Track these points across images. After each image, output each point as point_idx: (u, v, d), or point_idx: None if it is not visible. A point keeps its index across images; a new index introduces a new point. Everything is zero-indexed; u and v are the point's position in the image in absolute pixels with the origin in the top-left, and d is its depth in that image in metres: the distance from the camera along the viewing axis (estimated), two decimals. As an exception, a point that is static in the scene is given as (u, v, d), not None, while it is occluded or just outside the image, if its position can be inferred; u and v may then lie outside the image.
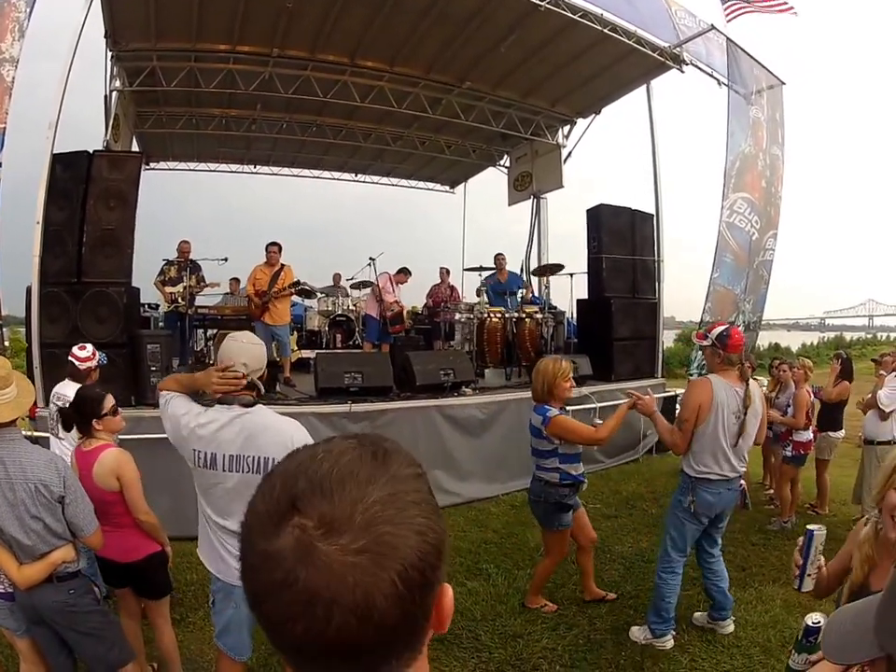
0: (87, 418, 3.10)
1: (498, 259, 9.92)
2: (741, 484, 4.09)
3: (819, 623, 1.60)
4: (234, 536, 2.02)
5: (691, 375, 10.22)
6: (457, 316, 9.02)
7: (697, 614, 4.20)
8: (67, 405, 3.89)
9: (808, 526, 1.96)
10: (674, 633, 3.92)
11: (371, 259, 9.18)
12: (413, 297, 12.44)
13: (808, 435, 6.15)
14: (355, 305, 10.50)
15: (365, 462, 0.63)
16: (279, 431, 2.53)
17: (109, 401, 3.15)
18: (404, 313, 9.43)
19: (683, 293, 13.74)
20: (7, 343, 6.12)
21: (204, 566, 2.68)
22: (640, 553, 5.39)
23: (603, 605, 4.46)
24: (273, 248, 8.21)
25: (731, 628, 4.00)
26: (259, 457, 2.46)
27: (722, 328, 3.80)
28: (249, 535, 0.61)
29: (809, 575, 1.96)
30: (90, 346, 4.40)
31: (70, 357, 4.30)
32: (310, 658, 0.60)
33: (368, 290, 10.12)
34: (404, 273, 9.83)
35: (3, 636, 2.93)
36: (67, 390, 4.10)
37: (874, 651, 0.89)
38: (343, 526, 0.57)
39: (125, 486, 3.01)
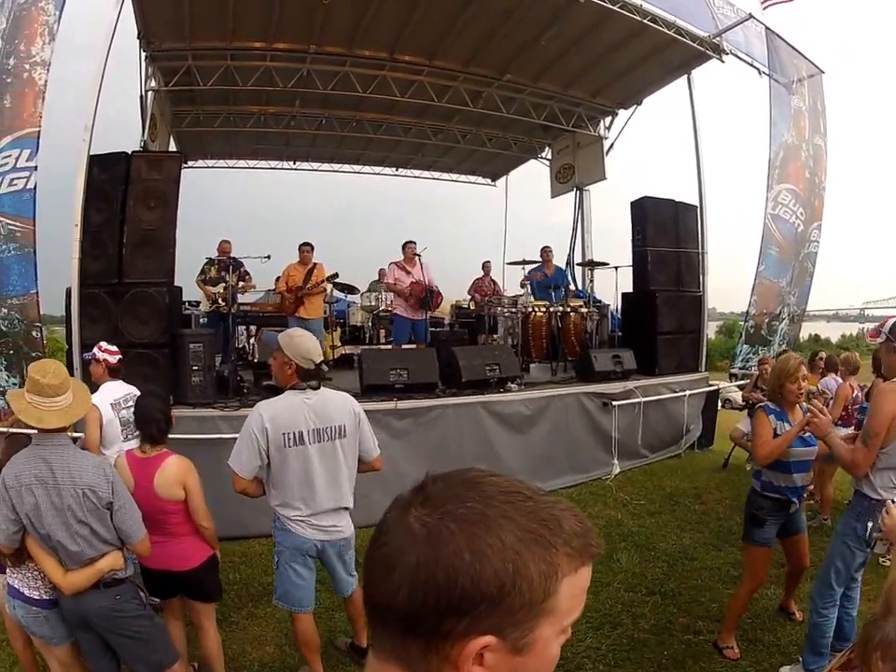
0: (165, 431, 3.15)
1: (545, 251, 9.74)
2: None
3: None
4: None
5: (733, 370, 10.10)
6: (501, 310, 8.93)
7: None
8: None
9: None
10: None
11: (416, 254, 8.99)
12: (456, 291, 12.38)
13: (847, 431, 5.75)
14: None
15: (511, 503, 0.67)
16: (343, 401, 3.21)
17: None
18: (432, 288, 8.60)
19: (724, 284, 13.54)
20: (45, 342, 6.14)
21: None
22: (683, 550, 5.31)
23: (646, 604, 4.35)
24: (306, 248, 8.35)
25: None
26: (333, 426, 3.07)
27: (895, 319, 3.28)
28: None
29: None
30: (103, 342, 4.29)
31: (104, 355, 4.14)
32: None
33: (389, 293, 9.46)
34: (408, 245, 8.82)
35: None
36: (127, 390, 4.08)
37: None
38: (431, 504, 0.66)
39: (190, 493, 3.02)
